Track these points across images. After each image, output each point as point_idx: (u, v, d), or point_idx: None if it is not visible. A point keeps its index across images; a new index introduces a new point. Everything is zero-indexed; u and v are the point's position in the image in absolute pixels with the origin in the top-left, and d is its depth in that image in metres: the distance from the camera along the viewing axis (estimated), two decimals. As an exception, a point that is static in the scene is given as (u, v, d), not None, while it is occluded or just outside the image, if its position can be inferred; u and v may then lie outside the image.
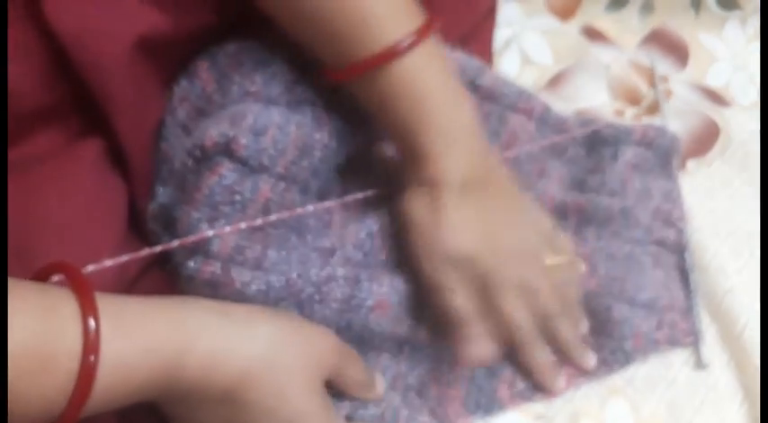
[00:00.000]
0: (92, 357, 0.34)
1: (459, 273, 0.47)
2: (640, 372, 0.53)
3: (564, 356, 0.51)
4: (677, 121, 0.63)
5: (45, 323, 0.33)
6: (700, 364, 0.54)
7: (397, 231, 0.49)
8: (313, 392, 0.42)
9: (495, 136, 0.60)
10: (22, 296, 0.33)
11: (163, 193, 0.47)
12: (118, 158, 0.47)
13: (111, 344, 0.35)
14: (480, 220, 0.48)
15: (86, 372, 0.34)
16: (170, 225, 0.46)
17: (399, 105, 0.46)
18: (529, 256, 0.49)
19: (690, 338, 0.55)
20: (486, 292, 0.48)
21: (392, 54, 0.45)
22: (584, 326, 0.53)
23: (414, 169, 0.48)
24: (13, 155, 0.43)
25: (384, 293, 0.48)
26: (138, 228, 0.48)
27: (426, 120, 0.46)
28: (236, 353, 0.40)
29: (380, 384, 0.49)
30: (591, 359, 0.52)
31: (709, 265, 0.58)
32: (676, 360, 0.54)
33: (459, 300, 0.47)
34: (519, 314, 0.48)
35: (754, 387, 0.53)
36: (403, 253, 0.50)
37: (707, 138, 0.65)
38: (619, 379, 0.53)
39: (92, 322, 0.34)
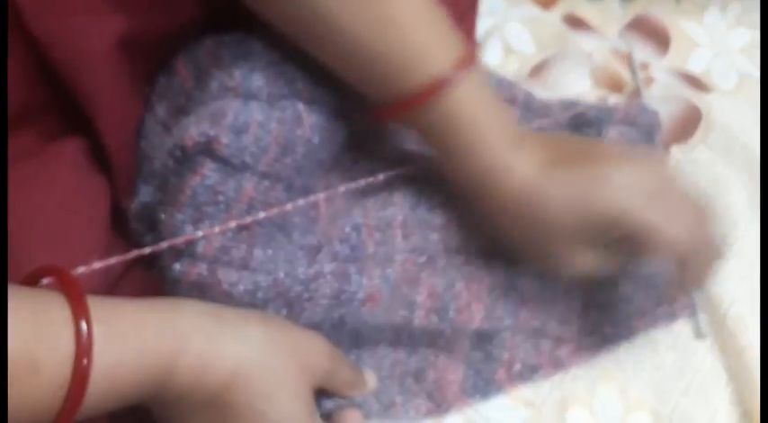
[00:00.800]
0: (84, 361, 0.33)
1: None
2: (629, 355, 0.54)
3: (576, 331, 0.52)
4: (659, 108, 0.64)
5: (36, 328, 0.33)
6: (699, 333, 0.55)
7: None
8: (301, 399, 0.42)
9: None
10: (12, 300, 0.33)
11: (144, 192, 0.47)
12: (99, 157, 0.47)
13: (103, 347, 0.35)
14: (597, 175, 0.46)
15: (79, 375, 0.33)
16: (153, 224, 0.46)
17: (455, 133, 0.47)
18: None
19: (687, 311, 0.56)
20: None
21: (442, 86, 0.45)
22: None
23: (495, 182, 0.47)
24: None
25: (375, 285, 0.48)
26: (120, 226, 0.47)
27: (485, 138, 0.47)
28: (226, 355, 0.39)
29: (371, 380, 0.49)
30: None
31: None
32: (662, 344, 0.54)
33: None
34: (685, 233, 0.46)
35: (739, 369, 0.53)
36: (390, 245, 0.50)
37: (689, 123, 0.65)
38: (609, 362, 0.53)
39: (84, 325, 0.34)
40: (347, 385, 0.46)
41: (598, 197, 0.46)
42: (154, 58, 0.49)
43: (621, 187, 0.45)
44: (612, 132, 0.61)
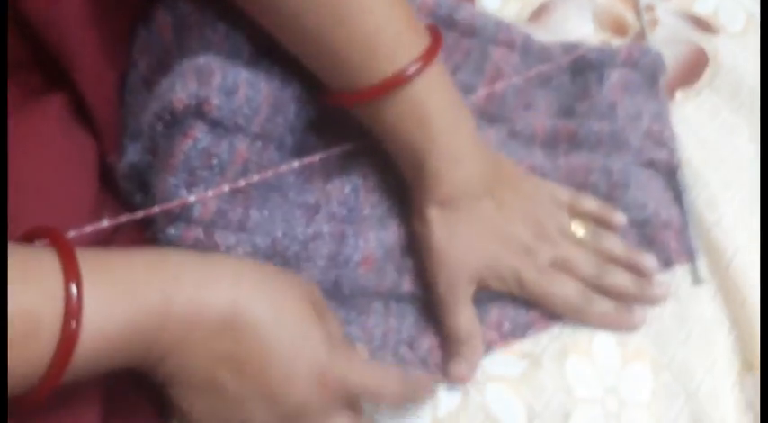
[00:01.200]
0: (73, 323, 0.33)
1: (485, 283, 0.50)
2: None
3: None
4: (665, 51, 0.62)
5: (28, 288, 0.33)
6: (697, 279, 0.54)
7: (416, 248, 0.50)
8: (307, 303, 0.42)
9: (479, 72, 0.59)
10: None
11: (132, 151, 0.46)
12: (83, 113, 0.46)
13: (94, 302, 0.34)
14: (497, 226, 0.50)
15: (68, 338, 0.33)
16: (143, 185, 0.45)
17: (407, 128, 0.47)
18: (555, 235, 0.51)
19: (683, 257, 0.55)
20: (524, 288, 0.50)
21: (401, 80, 0.45)
22: (651, 261, 0.53)
23: (425, 190, 0.48)
24: None
25: (370, 248, 0.48)
26: (109, 183, 0.47)
27: (434, 140, 0.47)
28: (223, 279, 0.39)
29: (363, 353, 0.48)
30: (665, 286, 0.53)
31: (699, 197, 0.57)
32: (662, 293, 0.54)
33: (463, 318, 0.49)
34: (562, 290, 0.51)
35: (741, 317, 0.53)
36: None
37: (696, 66, 0.63)
38: (607, 312, 0.53)
39: (74, 289, 0.34)
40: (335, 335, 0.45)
41: (457, 263, 0.49)
42: (133, 9, 0.48)
43: (465, 261, 0.49)
44: (614, 76, 0.59)
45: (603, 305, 0.51)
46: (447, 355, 0.49)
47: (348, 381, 0.42)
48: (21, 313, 0.32)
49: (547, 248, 0.51)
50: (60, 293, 0.33)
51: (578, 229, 0.53)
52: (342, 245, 0.47)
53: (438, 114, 0.47)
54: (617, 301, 0.52)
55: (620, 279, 0.52)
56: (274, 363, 0.39)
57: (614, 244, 0.53)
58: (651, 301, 0.52)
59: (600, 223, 0.53)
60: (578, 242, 0.52)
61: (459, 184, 0.48)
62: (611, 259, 0.52)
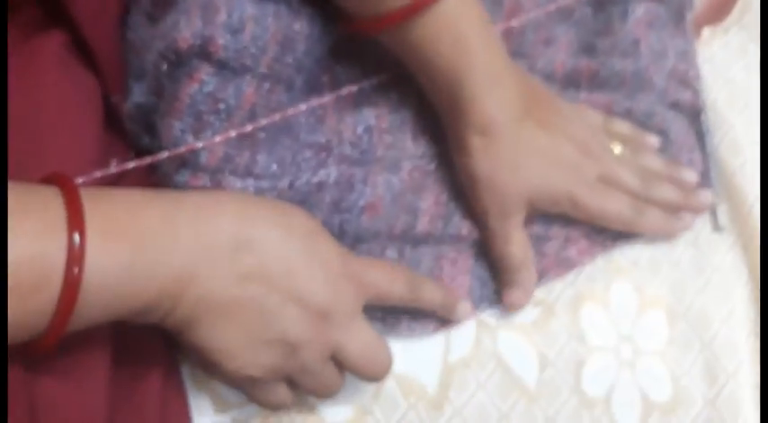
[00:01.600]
0: (75, 269, 0.33)
1: (535, 208, 0.49)
2: (645, 253, 0.52)
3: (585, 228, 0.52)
4: (694, -15, 0.59)
5: (33, 238, 0.33)
6: (717, 226, 0.54)
7: (459, 182, 0.50)
8: (312, 219, 0.42)
9: (498, 5, 0.56)
10: (11, 201, 0.32)
11: (137, 91, 0.44)
12: (84, 52, 0.44)
13: (97, 249, 0.34)
14: (542, 147, 0.48)
15: (71, 283, 0.33)
16: (149, 126, 0.44)
17: (442, 50, 0.45)
18: (599, 152, 0.50)
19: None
20: (577, 206, 0.49)
21: (425, 3, 0.43)
22: (691, 175, 0.53)
23: (464, 117, 0.47)
24: None
25: (378, 194, 0.47)
26: (114, 123, 0.45)
27: (472, 60, 0.45)
28: (226, 200, 0.39)
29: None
30: (707, 196, 0.53)
31: (723, 141, 0.56)
32: (681, 241, 0.53)
33: (516, 246, 0.49)
34: (615, 205, 0.50)
35: (759, 267, 0.52)
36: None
37: (724, 2, 0.60)
38: (624, 260, 0.52)
39: (77, 237, 0.33)
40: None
41: (506, 189, 0.48)
42: None
43: (515, 185, 0.48)
44: (639, 10, 0.57)
45: (654, 215, 0.51)
46: (500, 284, 0.49)
47: (363, 277, 0.43)
48: (26, 262, 0.32)
49: (594, 165, 0.50)
50: (64, 243, 0.33)
51: (615, 148, 0.52)
52: (346, 191, 0.46)
53: (474, 32, 0.45)
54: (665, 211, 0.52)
55: (666, 191, 0.52)
56: (296, 267, 0.40)
57: (653, 159, 0.53)
58: (696, 209, 0.53)
59: (634, 144, 0.53)
60: (620, 158, 0.52)
61: (500, 107, 0.47)
62: (653, 174, 0.52)
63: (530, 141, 0.48)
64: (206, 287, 0.37)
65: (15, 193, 0.33)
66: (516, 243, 0.49)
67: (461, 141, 0.48)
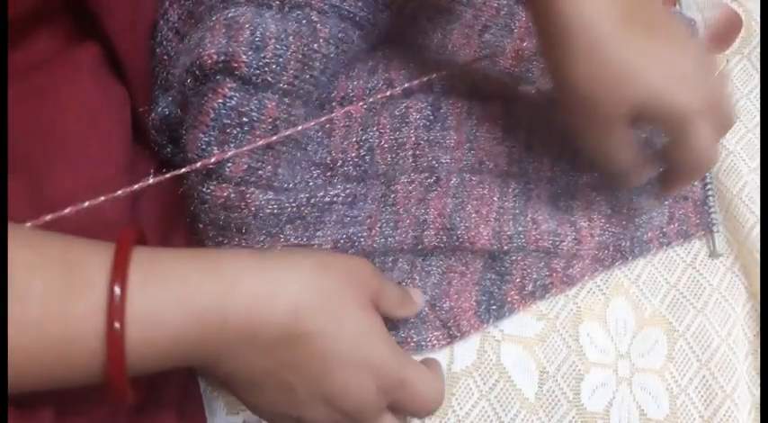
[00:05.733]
0: (117, 324, 0.33)
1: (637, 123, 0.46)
2: (645, 272, 0.54)
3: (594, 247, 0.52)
4: (697, 14, 0.61)
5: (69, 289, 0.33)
6: (714, 253, 0.54)
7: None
8: (367, 308, 0.41)
9: (507, 31, 0.58)
10: (47, 250, 0.33)
11: (163, 103, 0.46)
12: (115, 64, 0.45)
13: (139, 301, 0.34)
14: (655, 55, 0.44)
15: (113, 339, 0.33)
16: (174, 137, 0.45)
17: None
18: (704, 77, 0.46)
19: (701, 232, 0.55)
20: (686, 133, 0.45)
21: None
22: None
23: (561, 16, 0.43)
24: (9, 61, 0.41)
25: (374, 208, 0.48)
26: (139, 133, 0.47)
27: None
28: (282, 290, 0.38)
29: (419, 297, 0.49)
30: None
31: (721, 166, 0.57)
32: (680, 262, 0.54)
33: (624, 153, 0.47)
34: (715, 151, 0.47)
35: (758, 288, 0.53)
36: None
37: (728, 31, 0.62)
38: (624, 278, 0.53)
39: (117, 290, 0.33)
40: (397, 305, 0.45)
41: (644, 76, 0.44)
42: None
43: (662, 73, 0.44)
44: None
45: None
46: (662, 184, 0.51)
47: (403, 386, 0.41)
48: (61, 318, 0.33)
49: (713, 90, 0.46)
50: (104, 295, 0.33)
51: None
52: (349, 208, 0.48)
53: None
54: None
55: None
56: (335, 368, 0.39)
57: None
58: None
59: None
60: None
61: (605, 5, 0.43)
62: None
63: (644, 48, 0.44)
64: (242, 364, 0.38)
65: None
66: (624, 151, 0.47)
67: (559, 47, 0.44)
